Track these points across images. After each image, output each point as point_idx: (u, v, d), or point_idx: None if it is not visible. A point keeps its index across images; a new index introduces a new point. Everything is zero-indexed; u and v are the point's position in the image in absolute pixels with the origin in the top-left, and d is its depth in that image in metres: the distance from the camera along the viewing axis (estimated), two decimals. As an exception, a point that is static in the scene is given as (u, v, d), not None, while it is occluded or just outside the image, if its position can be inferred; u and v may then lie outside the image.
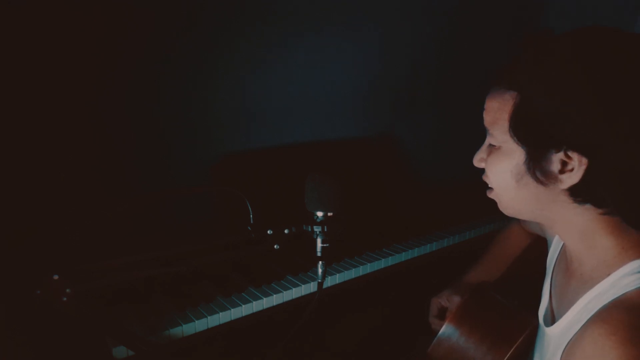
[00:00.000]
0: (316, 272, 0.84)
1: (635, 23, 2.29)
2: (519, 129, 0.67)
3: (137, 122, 1.20)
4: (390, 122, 1.75)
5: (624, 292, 0.64)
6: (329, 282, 1.24)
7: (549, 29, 0.67)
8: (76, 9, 1.04)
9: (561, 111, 0.62)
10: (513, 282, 1.13)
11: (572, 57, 0.62)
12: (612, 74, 0.61)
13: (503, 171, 0.71)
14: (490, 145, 0.74)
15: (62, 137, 1.08)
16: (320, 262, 0.83)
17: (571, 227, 0.72)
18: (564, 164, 0.65)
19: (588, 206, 0.68)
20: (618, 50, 0.62)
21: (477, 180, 0.83)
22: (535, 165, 0.67)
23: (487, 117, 0.72)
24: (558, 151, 0.64)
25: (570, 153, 0.63)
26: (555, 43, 0.65)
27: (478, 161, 0.78)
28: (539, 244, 1.04)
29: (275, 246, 0.85)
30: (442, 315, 1.09)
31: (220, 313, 1.04)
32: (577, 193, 0.66)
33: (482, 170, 0.78)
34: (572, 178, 0.64)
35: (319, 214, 0.81)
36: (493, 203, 0.80)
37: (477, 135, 0.83)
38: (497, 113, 0.70)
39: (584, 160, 0.62)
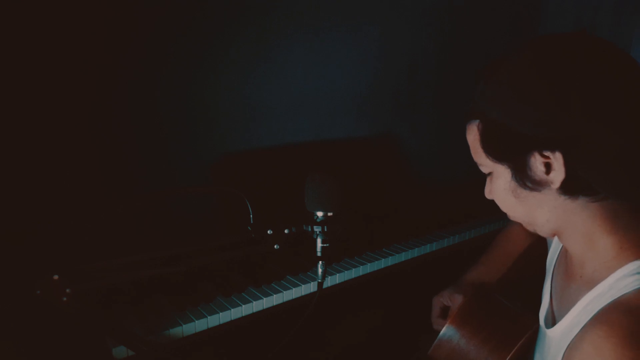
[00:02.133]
0: (316, 272, 0.84)
1: (635, 23, 2.29)
2: (490, 150, 0.71)
3: (137, 122, 1.20)
4: (390, 122, 1.75)
5: (622, 293, 0.64)
6: (329, 282, 1.24)
7: (506, 55, 0.71)
8: (77, 9, 1.05)
9: (517, 118, 0.65)
10: (515, 283, 1.13)
11: (516, 66, 0.66)
12: (556, 69, 0.63)
13: (502, 192, 0.74)
14: (488, 176, 0.77)
15: (63, 136, 1.08)
16: (320, 262, 0.84)
17: (575, 232, 0.73)
18: (547, 165, 0.66)
19: (585, 201, 0.68)
20: (554, 49, 0.65)
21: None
22: (521, 176, 0.70)
23: (471, 152, 0.77)
24: (534, 155, 0.66)
25: (544, 152, 0.65)
26: (502, 62, 0.68)
27: (487, 194, 0.80)
28: (541, 244, 1.04)
29: (275, 246, 0.85)
30: (445, 314, 1.09)
31: (220, 313, 1.04)
32: (570, 187, 0.67)
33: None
34: (558, 174, 0.66)
35: (319, 214, 0.81)
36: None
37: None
38: (473, 144, 0.74)
39: (558, 154, 0.64)
